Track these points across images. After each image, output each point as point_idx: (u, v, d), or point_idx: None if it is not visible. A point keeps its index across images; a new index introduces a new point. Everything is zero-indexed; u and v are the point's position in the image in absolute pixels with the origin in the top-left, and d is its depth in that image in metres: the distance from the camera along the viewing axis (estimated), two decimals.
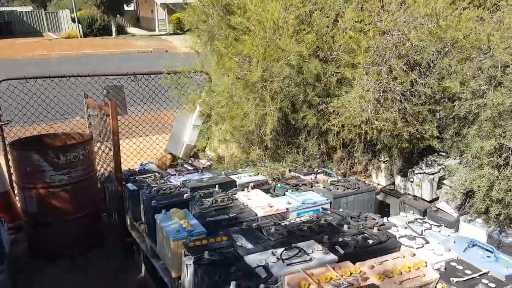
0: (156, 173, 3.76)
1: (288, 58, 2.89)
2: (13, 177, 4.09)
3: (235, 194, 2.95)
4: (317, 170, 3.46)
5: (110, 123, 3.61)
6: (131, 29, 32.99)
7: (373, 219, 2.59)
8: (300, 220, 2.54)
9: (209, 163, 4.89)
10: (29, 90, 4.52)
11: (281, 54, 2.92)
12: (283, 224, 2.49)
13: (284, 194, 2.98)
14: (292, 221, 2.55)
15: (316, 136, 3.54)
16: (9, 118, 4.42)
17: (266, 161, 3.65)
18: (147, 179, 3.46)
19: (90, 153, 3.99)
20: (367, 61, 2.93)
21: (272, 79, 3.01)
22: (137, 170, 5.04)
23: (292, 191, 3.02)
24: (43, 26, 30.68)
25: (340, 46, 3.26)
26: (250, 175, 3.43)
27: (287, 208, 2.72)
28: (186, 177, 3.65)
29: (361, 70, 2.94)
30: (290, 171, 3.57)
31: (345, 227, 2.42)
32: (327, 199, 2.88)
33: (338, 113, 2.95)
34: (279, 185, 3.12)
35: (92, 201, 4.06)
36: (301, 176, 3.40)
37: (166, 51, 23.08)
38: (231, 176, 3.40)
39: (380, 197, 3.39)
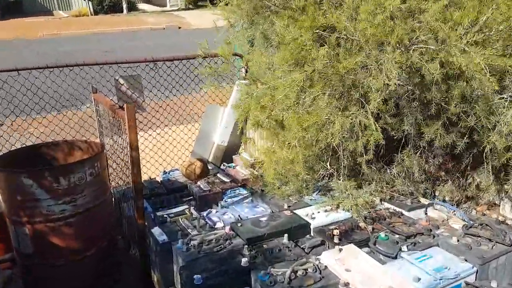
0: (190, 208, 2.74)
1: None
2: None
3: (319, 255, 1.90)
4: (428, 204, 2.37)
5: (127, 135, 2.58)
6: (142, 5, 31.69)
7: None
8: None
9: (248, 173, 3.87)
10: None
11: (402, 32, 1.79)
12: None
13: (397, 255, 1.92)
14: None
15: (419, 152, 2.43)
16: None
17: (340, 183, 2.58)
18: (180, 218, 2.44)
19: (102, 170, 2.99)
20: None
21: (377, 69, 1.89)
22: (159, 180, 4.09)
23: (407, 246, 1.96)
24: (53, 5, 29.62)
25: None
26: (326, 210, 2.37)
27: None
28: (232, 210, 2.62)
29: None
30: (381, 201, 2.49)
31: None
32: (472, 267, 1.82)
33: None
34: (382, 234, 2.06)
35: (105, 231, 3.09)
36: (404, 213, 2.33)
37: (179, 27, 22.01)
38: (298, 212, 2.35)
39: None
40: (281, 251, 1.95)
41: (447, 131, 2.13)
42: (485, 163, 2.14)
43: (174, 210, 2.63)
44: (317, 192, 2.63)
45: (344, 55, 2.03)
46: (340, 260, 1.83)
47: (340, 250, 1.90)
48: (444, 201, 2.57)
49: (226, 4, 3.19)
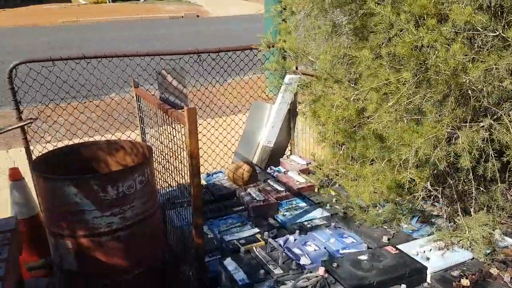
0: (263, 232, 2.33)
1: None
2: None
3: None
4: None
5: (187, 142, 2.20)
6: None
7: None
8: None
9: (304, 180, 3.48)
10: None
11: None
12: None
13: None
14: None
15: None
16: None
17: (445, 209, 2.15)
18: (254, 247, 2.03)
19: (152, 177, 2.63)
20: None
21: None
22: (203, 184, 3.73)
23: None
24: None
25: None
26: (439, 248, 1.92)
27: None
28: (313, 238, 2.20)
29: None
30: (503, 235, 2.05)
31: None
32: None
33: None
34: None
35: (154, 246, 2.74)
36: None
37: (198, 16, 21.73)
38: (403, 248, 1.91)
39: None
40: None
41: None
42: None
43: (244, 234, 2.22)
44: (417, 219, 2.19)
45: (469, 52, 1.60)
46: None
47: None
48: None
49: None
